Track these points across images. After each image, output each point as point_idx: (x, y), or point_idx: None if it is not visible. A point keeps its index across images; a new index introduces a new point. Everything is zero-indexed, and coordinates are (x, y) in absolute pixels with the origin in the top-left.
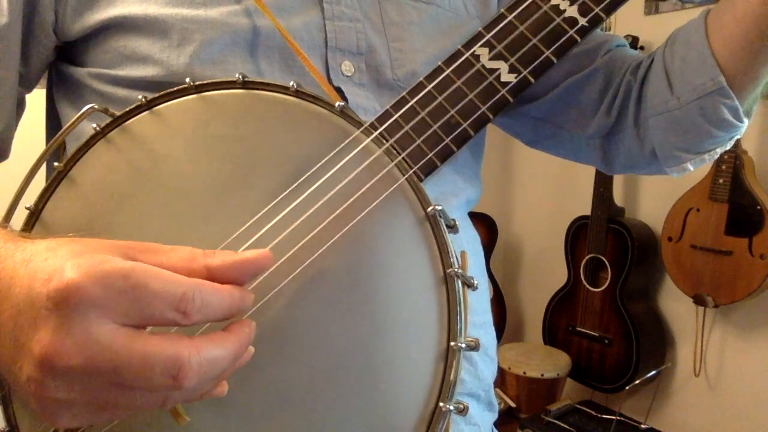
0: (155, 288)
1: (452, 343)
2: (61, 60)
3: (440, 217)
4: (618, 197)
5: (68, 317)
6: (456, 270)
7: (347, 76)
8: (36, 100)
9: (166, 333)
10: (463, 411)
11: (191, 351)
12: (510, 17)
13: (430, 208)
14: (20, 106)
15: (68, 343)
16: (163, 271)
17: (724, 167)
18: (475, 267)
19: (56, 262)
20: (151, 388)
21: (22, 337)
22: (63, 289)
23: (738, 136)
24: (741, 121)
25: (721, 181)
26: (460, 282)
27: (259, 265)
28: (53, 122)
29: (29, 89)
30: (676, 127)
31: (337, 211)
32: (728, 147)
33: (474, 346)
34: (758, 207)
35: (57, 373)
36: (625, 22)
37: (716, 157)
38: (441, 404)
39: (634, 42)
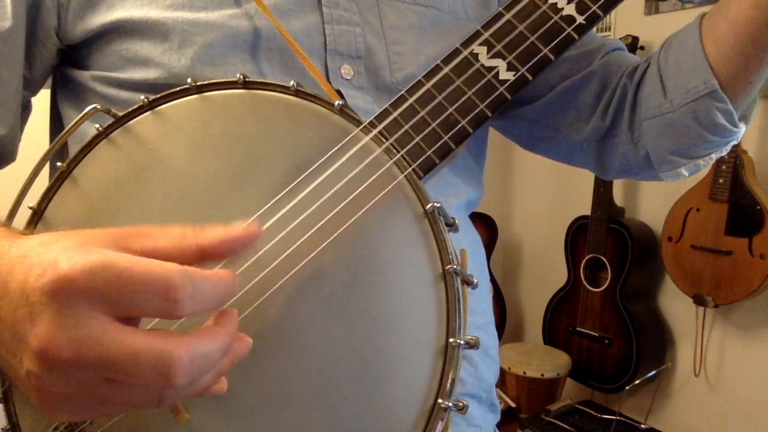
0: (139, 277)
1: (451, 340)
2: (65, 63)
3: (439, 214)
4: (618, 197)
5: (61, 310)
6: (455, 267)
7: (346, 80)
8: (39, 101)
9: (157, 330)
10: (462, 409)
11: (181, 348)
12: (508, 16)
13: (429, 206)
14: (26, 109)
15: (61, 337)
16: (149, 260)
17: (724, 167)
18: (476, 268)
19: (49, 256)
20: (143, 385)
21: (20, 331)
22: (54, 282)
23: (734, 142)
24: (736, 126)
25: (721, 181)
26: (459, 279)
27: (249, 237)
28: (56, 124)
29: (34, 93)
30: (670, 131)
31: (337, 209)
32: (724, 153)
33: (473, 344)
34: (758, 207)
35: (53, 366)
36: (625, 22)
37: (711, 162)
38: (440, 401)
39: (634, 42)
